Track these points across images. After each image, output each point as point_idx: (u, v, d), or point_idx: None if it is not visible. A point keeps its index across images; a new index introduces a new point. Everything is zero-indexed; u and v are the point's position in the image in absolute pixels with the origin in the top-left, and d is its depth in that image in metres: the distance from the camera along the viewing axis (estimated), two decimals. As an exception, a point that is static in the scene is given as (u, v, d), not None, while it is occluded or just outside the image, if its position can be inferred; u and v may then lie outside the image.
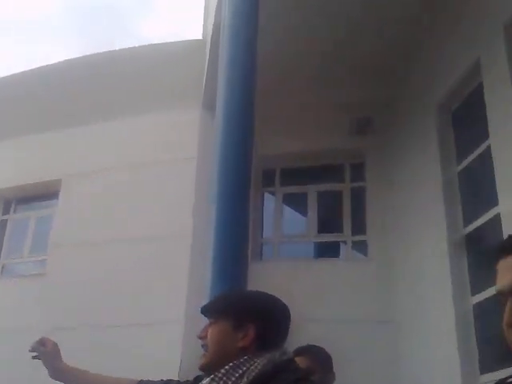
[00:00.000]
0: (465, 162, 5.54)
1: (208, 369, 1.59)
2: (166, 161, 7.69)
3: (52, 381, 2.26)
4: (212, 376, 1.53)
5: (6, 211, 9.11)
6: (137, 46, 8.10)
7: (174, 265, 6.82)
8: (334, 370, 2.67)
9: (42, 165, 8.45)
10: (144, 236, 7.25)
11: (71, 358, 7.14)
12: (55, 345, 2.16)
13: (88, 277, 7.21)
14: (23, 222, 8.92)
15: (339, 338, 6.10)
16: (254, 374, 1.49)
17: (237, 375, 1.50)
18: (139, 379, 2.06)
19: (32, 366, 7.03)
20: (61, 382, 2.12)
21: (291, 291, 6.58)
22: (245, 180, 5.64)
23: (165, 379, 2.07)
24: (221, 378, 1.50)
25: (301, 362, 2.44)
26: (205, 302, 4.56)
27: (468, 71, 5.29)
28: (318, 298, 6.52)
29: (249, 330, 1.59)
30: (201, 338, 1.68)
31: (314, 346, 2.61)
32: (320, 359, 2.52)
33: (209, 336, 1.64)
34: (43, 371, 2.19)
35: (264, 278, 6.46)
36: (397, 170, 6.82)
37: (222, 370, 1.52)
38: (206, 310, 1.75)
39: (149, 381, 2.04)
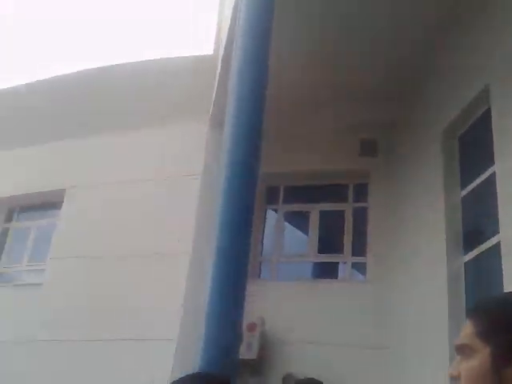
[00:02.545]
0: (469, 187, 5.50)
1: None
2: (171, 176, 7.69)
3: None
4: None
5: (9, 219, 9.15)
6: (146, 59, 8.12)
7: (171, 282, 6.80)
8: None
9: (46, 174, 8.48)
10: (143, 253, 7.24)
11: (66, 370, 7.19)
12: None
13: (85, 290, 7.20)
14: (25, 231, 8.94)
15: (335, 361, 6.06)
16: None
17: None
18: None
19: (21, 376, 7.03)
20: None
21: (288, 312, 6.58)
22: (249, 201, 5.64)
23: None
24: None
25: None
26: (198, 321, 4.55)
27: (476, 98, 5.27)
28: (314, 319, 6.48)
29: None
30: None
31: (314, 379, 2.59)
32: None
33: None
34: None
35: (261, 297, 6.43)
36: (400, 193, 6.79)
37: None
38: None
39: None
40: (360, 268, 7.37)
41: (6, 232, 9.03)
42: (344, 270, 7.49)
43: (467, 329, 1.15)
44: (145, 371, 6.08)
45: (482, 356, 1.07)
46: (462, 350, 1.14)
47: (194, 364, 4.91)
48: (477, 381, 1.07)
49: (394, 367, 5.86)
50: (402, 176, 6.82)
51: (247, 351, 6.15)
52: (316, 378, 2.72)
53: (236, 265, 5.28)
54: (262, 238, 7.75)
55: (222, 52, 6.84)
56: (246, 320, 5.99)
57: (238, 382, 5.31)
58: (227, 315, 5.10)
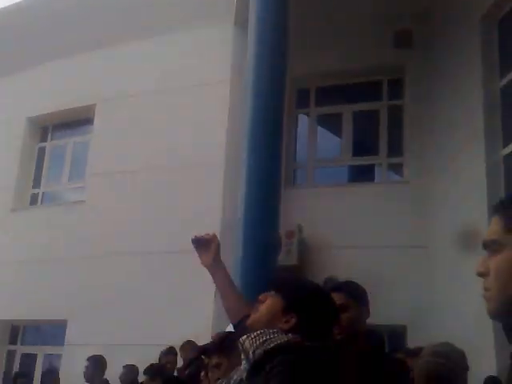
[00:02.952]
0: (509, 76, 5.18)
1: (252, 329, 1.82)
2: (200, 83, 7.52)
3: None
4: (249, 334, 1.77)
5: (44, 139, 9.25)
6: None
7: (207, 193, 6.84)
8: (374, 296, 2.64)
9: (75, 90, 8.40)
10: (180, 163, 7.26)
11: (109, 283, 7.44)
12: (217, 242, 2.30)
13: (127, 204, 7.35)
14: (61, 149, 9.06)
15: (374, 263, 6.09)
16: (271, 345, 1.71)
17: (261, 340, 1.73)
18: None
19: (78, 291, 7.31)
20: (211, 273, 2.30)
21: (325, 217, 6.58)
22: (278, 102, 5.49)
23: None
24: (252, 339, 1.75)
25: (337, 298, 2.43)
26: (240, 229, 4.54)
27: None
28: (352, 224, 6.46)
29: (291, 319, 1.79)
30: (259, 301, 1.89)
31: (351, 281, 2.57)
32: (355, 295, 2.48)
33: (264, 305, 1.86)
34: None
35: (297, 203, 6.43)
36: (437, 87, 6.46)
37: (256, 332, 1.76)
38: (271, 281, 1.97)
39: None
40: (396, 169, 7.24)
41: (42, 152, 9.16)
42: (380, 172, 7.38)
43: (495, 224, 1.14)
44: (189, 284, 6.23)
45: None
46: (491, 246, 1.13)
47: (234, 275, 5.06)
48: (506, 274, 1.08)
49: (434, 266, 5.88)
50: (438, 69, 6.47)
51: (287, 258, 6.25)
52: (355, 280, 2.69)
53: (268, 170, 5.28)
54: (295, 145, 7.63)
55: None
56: (284, 228, 6.06)
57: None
58: (263, 222, 5.17)
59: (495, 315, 1.11)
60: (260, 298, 1.90)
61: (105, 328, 6.65)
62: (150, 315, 6.42)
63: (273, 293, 1.87)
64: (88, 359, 5.57)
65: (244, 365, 1.82)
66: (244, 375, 1.83)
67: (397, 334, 6.20)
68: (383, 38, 6.92)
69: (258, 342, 1.75)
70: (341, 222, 6.48)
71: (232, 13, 7.22)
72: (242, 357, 1.84)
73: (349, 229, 6.44)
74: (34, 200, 8.90)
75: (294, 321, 1.78)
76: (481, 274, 1.13)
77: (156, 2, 7.83)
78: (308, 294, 1.87)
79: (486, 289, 1.12)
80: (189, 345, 5.13)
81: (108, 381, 5.57)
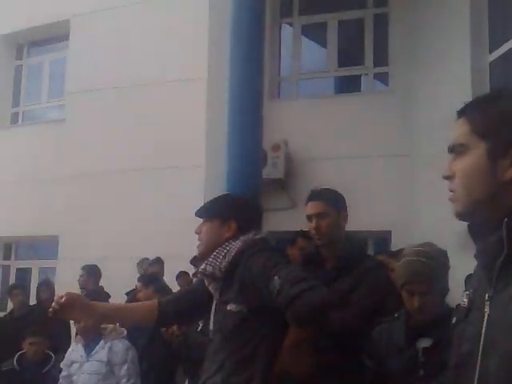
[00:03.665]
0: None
1: (204, 257, 2.07)
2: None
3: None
4: (206, 261, 2.03)
5: (19, 56, 8.96)
6: None
7: (190, 107, 6.73)
8: (351, 204, 2.68)
9: (49, 5, 8.05)
10: (159, 80, 7.08)
11: (97, 203, 7.49)
12: (72, 297, 2.03)
13: (107, 122, 7.23)
14: (38, 67, 8.80)
15: (360, 173, 6.16)
16: (232, 253, 1.99)
17: (221, 257, 2.01)
18: (158, 301, 2.26)
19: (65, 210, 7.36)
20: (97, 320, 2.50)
21: (310, 129, 6.55)
22: (259, 9, 5.28)
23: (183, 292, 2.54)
24: (211, 262, 2.01)
25: (314, 206, 2.48)
26: (222, 147, 4.59)
27: None
28: (338, 135, 6.45)
29: (231, 224, 2.08)
30: (197, 232, 2.15)
31: (328, 189, 2.59)
32: (333, 202, 2.51)
33: (203, 232, 2.13)
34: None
35: (282, 116, 6.38)
36: (423, -7, 6.26)
37: (212, 256, 2.02)
38: (200, 213, 2.20)
39: (168, 300, 2.27)
40: (383, 78, 7.14)
41: (19, 70, 8.90)
42: (366, 83, 7.28)
43: (461, 127, 1.15)
44: (177, 196, 6.29)
45: (478, 151, 1.09)
46: (456, 149, 1.14)
47: (222, 188, 5.11)
48: (473, 175, 1.10)
49: (417, 174, 5.95)
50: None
51: (273, 171, 6.28)
52: (341, 189, 2.70)
53: (250, 82, 5.17)
54: (279, 57, 7.44)
55: None
56: (270, 141, 6.04)
57: (268, 199, 5.52)
58: (247, 135, 5.13)
59: (462, 216, 1.13)
60: (196, 231, 2.16)
61: (95, 242, 6.76)
62: (139, 229, 6.53)
63: (204, 220, 2.15)
64: (83, 268, 5.82)
65: (213, 287, 2.05)
66: (217, 293, 2.05)
67: (382, 240, 6.40)
68: None
69: (218, 260, 1.99)
70: (327, 134, 6.47)
71: None
72: (207, 283, 2.07)
73: (335, 140, 6.44)
74: (14, 119, 8.76)
75: (234, 225, 2.07)
76: (447, 177, 1.14)
77: None
78: (233, 202, 2.22)
79: (452, 190, 1.14)
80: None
81: (103, 287, 5.79)
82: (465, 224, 1.15)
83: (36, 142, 7.87)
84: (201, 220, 2.20)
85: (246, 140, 5.12)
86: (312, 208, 2.47)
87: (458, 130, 1.14)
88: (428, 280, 2.09)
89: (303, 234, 3.38)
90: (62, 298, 1.99)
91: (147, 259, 5.79)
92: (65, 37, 8.17)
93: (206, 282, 2.07)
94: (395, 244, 5.67)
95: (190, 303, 2.24)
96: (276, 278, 1.78)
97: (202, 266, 2.02)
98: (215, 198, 2.29)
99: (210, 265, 2.00)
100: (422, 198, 5.82)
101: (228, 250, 2.01)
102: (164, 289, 5.24)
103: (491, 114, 1.11)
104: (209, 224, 2.12)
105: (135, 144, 6.92)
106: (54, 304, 1.99)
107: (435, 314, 2.09)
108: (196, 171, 6.52)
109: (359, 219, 2.67)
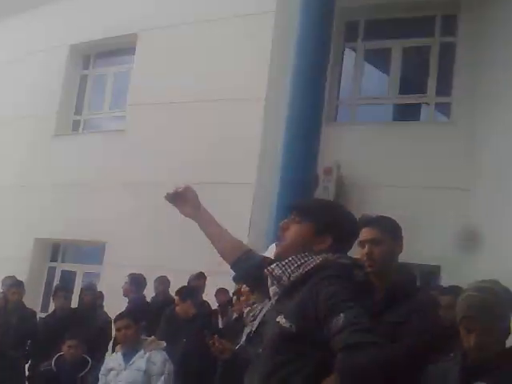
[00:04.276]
0: None
1: (280, 257, 1.87)
2: (245, 14, 7.31)
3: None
4: (277, 263, 1.83)
5: (86, 66, 9.28)
6: None
7: (247, 126, 6.76)
8: (409, 236, 2.57)
9: (118, 19, 8.31)
10: (221, 96, 7.14)
11: (147, 213, 7.54)
12: (192, 191, 2.22)
13: (167, 134, 7.35)
14: (103, 78, 9.08)
15: (412, 203, 5.97)
16: (308, 267, 1.79)
17: (296, 265, 1.81)
18: (249, 249, 2.20)
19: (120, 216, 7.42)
20: (196, 221, 2.23)
21: (366, 155, 6.43)
22: (326, 34, 5.26)
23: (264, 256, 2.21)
24: (283, 265, 1.82)
25: (369, 232, 2.38)
26: (277, 165, 4.55)
27: None
28: (393, 163, 6.31)
29: (327, 238, 1.85)
30: (283, 228, 1.92)
31: (385, 216, 2.49)
32: (389, 230, 2.41)
33: (291, 232, 1.89)
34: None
35: (338, 140, 6.29)
36: (493, 24, 6.09)
37: (286, 260, 1.82)
38: (294, 207, 1.97)
39: (253, 254, 2.18)
40: (444, 109, 6.96)
41: (84, 79, 9.20)
42: (427, 112, 7.11)
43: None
44: (227, 211, 6.27)
45: None
46: None
47: (271, 207, 5.06)
48: None
49: (474, 208, 5.72)
50: (495, 7, 6.06)
51: (323, 194, 6.18)
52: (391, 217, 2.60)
53: (310, 106, 5.15)
54: (340, 80, 7.39)
55: None
56: (323, 164, 5.97)
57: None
58: (301, 158, 5.09)
59: None
60: (282, 225, 1.93)
61: (141, 252, 6.82)
62: (186, 242, 6.54)
63: (296, 219, 1.90)
64: (128, 276, 5.86)
65: (273, 291, 1.88)
66: (273, 300, 1.89)
67: (430, 274, 6.16)
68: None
69: (291, 268, 1.80)
70: (381, 161, 6.34)
71: None
72: (270, 284, 1.89)
73: (389, 168, 6.30)
74: (75, 126, 9.02)
75: (329, 241, 1.84)
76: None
77: None
78: (338, 214, 1.93)
79: None
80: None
81: (145, 297, 5.83)
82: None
83: (93, 150, 8.07)
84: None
85: (302, 165, 5.09)
86: (366, 234, 2.37)
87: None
88: (488, 317, 1.92)
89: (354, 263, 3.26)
90: (180, 187, 2.18)
91: (164, 276, 5.86)
92: (130, 50, 8.41)
93: (269, 282, 1.90)
94: (443, 280, 5.44)
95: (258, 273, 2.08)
96: (342, 315, 1.62)
97: (272, 266, 1.84)
98: (319, 201, 2.14)
99: (281, 268, 1.82)
100: (477, 234, 5.57)
101: (305, 262, 1.81)
102: (202, 304, 5.19)
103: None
104: (303, 226, 1.89)
105: (189, 157, 6.98)
106: (171, 190, 2.17)
107: (494, 355, 1.90)
108: (245, 188, 6.51)
109: (407, 251, 2.54)
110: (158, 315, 5.00)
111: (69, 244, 8.63)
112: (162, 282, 5.90)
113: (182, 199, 2.21)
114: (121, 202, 7.31)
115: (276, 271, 1.82)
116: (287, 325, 1.74)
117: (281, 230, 1.93)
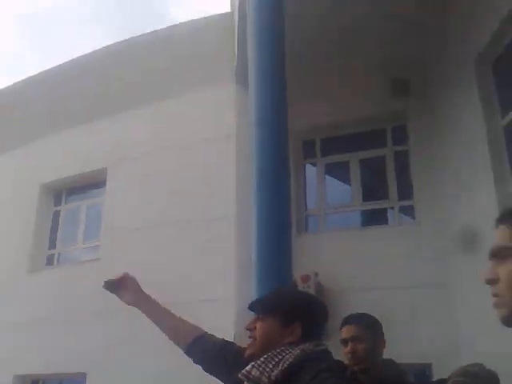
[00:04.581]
0: (510, 115, 5.28)
1: (253, 358, 1.79)
2: (206, 140, 7.73)
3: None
4: (253, 363, 1.74)
5: (58, 203, 9.46)
6: (164, 27, 8.09)
7: (220, 245, 6.90)
8: (389, 336, 2.63)
9: (87, 155, 8.69)
10: (191, 218, 7.36)
11: (127, 337, 7.36)
12: (131, 278, 2.28)
13: (141, 259, 7.39)
14: (75, 211, 9.24)
15: (393, 304, 6.03)
16: (288, 362, 1.70)
17: (273, 363, 1.72)
18: (203, 331, 2.18)
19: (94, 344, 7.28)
20: (139, 308, 2.25)
21: (339, 261, 6.58)
22: (282, 153, 5.58)
23: (225, 340, 2.18)
24: (260, 365, 1.72)
25: (349, 330, 2.46)
26: (253, 280, 4.62)
27: (508, 17, 5.01)
28: (367, 267, 6.45)
29: (296, 328, 1.79)
30: (249, 329, 1.88)
31: (363, 313, 2.59)
32: (369, 327, 2.49)
33: (258, 330, 1.84)
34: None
35: (311, 249, 6.45)
36: (440, 130, 6.59)
37: (262, 359, 1.74)
38: (254, 307, 1.94)
39: (211, 335, 2.16)
40: (408, 211, 7.26)
41: (57, 215, 9.34)
42: (393, 215, 7.40)
43: (503, 232, 1.17)
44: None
45: None
46: (500, 253, 1.15)
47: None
48: None
49: (455, 303, 5.81)
50: (440, 111, 6.62)
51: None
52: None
53: (278, 218, 5.32)
54: (305, 193, 7.72)
55: (237, 6, 6.72)
56: (300, 273, 6.06)
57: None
58: (276, 269, 5.17)
59: (509, 320, 1.11)
60: (248, 327, 1.88)
61: (124, 381, 6.58)
62: (169, 368, 6.36)
63: (259, 316, 1.86)
64: None
65: None
66: None
67: (422, 373, 6.07)
68: (382, 88, 7.11)
69: (269, 366, 1.71)
70: (356, 266, 6.47)
71: (233, 73, 7.49)
72: None
73: (364, 272, 6.43)
74: (49, 261, 9.03)
75: (299, 329, 1.78)
76: (490, 282, 1.14)
77: (156, 67, 8.15)
78: (299, 299, 1.92)
79: (497, 295, 1.13)
80: None
81: None
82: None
83: (68, 282, 8.04)
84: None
85: (275, 274, 5.16)
86: (347, 332, 2.45)
87: (500, 235, 1.16)
88: None
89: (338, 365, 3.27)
90: (119, 275, 2.20)
91: None
92: (101, 182, 8.68)
93: None
94: (436, 376, 5.37)
95: (220, 365, 2.05)
96: None
97: (247, 368, 1.74)
98: (277, 291, 2.06)
99: (258, 369, 1.72)
100: (463, 329, 5.62)
101: (283, 357, 1.73)
102: None
103: None
104: (265, 322, 1.83)
105: (163, 279, 6.97)
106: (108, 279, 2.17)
107: None
108: (226, 303, 6.51)
109: (395, 351, 2.59)
110: None
111: (49, 378, 8.29)
112: None
113: (122, 287, 2.24)
114: (100, 331, 7.18)
115: (253, 373, 1.72)
116: None
117: (248, 331, 1.89)
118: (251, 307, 1.94)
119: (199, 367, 2.18)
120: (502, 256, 1.13)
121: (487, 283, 1.15)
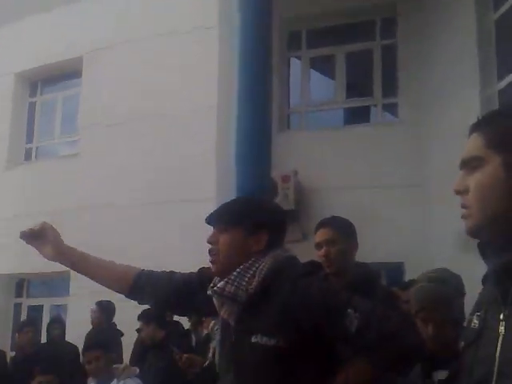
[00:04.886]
0: (502, 9, 5.04)
1: (222, 274, 1.69)
2: (188, 30, 7.36)
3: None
4: (226, 279, 1.64)
5: (33, 93, 9.13)
6: None
7: (201, 140, 6.77)
8: (365, 235, 2.64)
9: (61, 43, 8.23)
10: (171, 112, 7.15)
11: (105, 233, 7.43)
12: (51, 228, 1.97)
13: (121, 157, 7.29)
14: (51, 104, 8.96)
15: (371, 204, 6.11)
16: (264, 272, 1.64)
17: (249, 275, 1.65)
18: (141, 269, 2.03)
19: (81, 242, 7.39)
20: (61, 263, 1.99)
21: (321, 160, 6.55)
22: (265, 46, 5.36)
23: (168, 271, 2.03)
24: (234, 280, 1.63)
25: (323, 233, 2.45)
26: (233, 177, 4.58)
27: None
28: (348, 165, 6.44)
29: (262, 236, 1.70)
30: (210, 243, 1.75)
31: (337, 216, 2.57)
32: (342, 229, 2.49)
33: (222, 243, 1.72)
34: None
35: (292, 147, 6.38)
36: (430, 23, 6.31)
37: (234, 273, 1.64)
38: (214, 219, 1.78)
39: (151, 271, 2.02)
40: (392, 109, 7.16)
41: (33, 106, 9.05)
42: (376, 114, 7.30)
43: (475, 141, 1.13)
44: (186, 231, 6.24)
45: (494, 164, 1.08)
46: (470, 163, 1.12)
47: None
48: (489, 189, 1.07)
49: (430, 203, 5.89)
50: (431, 5, 6.29)
51: (283, 202, 6.23)
52: (353, 219, 2.66)
53: (257, 117, 5.21)
54: (288, 89, 7.52)
55: None
56: (280, 172, 6.03)
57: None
58: (255, 167, 5.14)
59: (474, 232, 1.09)
60: (209, 240, 1.75)
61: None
62: (149, 264, 6.49)
63: (221, 227, 1.73)
64: (96, 304, 5.61)
65: (228, 311, 1.70)
66: (232, 319, 1.70)
67: (395, 271, 6.30)
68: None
69: (245, 279, 1.63)
70: (337, 164, 6.47)
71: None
72: (219, 305, 1.71)
73: (345, 170, 6.43)
74: (28, 155, 8.86)
75: (265, 237, 1.70)
76: (459, 192, 1.11)
77: None
78: (260, 207, 1.83)
79: (465, 206, 1.10)
80: None
81: (116, 325, 5.62)
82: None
83: (47, 177, 7.93)
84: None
85: (254, 172, 5.13)
86: (321, 235, 2.45)
87: (472, 145, 1.12)
88: (442, 307, 1.96)
89: (312, 265, 3.33)
90: (37, 225, 1.92)
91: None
92: (77, 73, 8.32)
93: (217, 303, 1.71)
94: (408, 276, 5.58)
95: (176, 292, 1.89)
96: (350, 311, 1.53)
97: (220, 285, 1.64)
98: (236, 201, 1.90)
99: (232, 284, 1.62)
100: (435, 228, 5.75)
101: (257, 268, 1.64)
102: (175, 325, 5.03)
103: (506, 126, 1.09)
104: (230, 233, 1.71)
105: (144, 178, 6.95)
106: (26, 229, 1.90)
107: (452, 343, 1.92)
108: (207, 204, 6.51)
109: (371, 250, 2.62)
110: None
111: (33, 278, 8.41)
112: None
113: (41, 239, 1.93)
114: (80, 227, 7.20)
115: (228, 288, 1.63)
116: (271, 342, 1.57)
117: (210, 244, 1.75)
118: (209, 221, 1.78)
119: None
120: (472, 166, 1.10)
121: (456, 194, 1.12)
